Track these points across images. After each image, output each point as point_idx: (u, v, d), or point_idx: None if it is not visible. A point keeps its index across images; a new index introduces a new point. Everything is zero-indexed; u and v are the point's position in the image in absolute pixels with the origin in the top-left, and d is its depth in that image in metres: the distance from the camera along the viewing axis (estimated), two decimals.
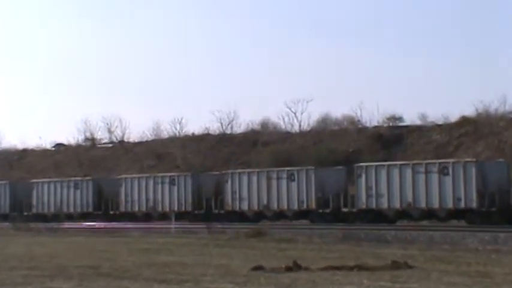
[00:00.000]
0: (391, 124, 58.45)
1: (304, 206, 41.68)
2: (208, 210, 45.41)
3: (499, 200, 35.99)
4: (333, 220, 40.05)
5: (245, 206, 43.76)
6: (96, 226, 45.50)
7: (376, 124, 59.32)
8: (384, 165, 39.79)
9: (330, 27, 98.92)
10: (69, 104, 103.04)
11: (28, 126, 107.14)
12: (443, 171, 36.92)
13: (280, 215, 43.17)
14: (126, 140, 73.28)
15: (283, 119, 65.59)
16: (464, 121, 54.48)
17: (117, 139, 73.82)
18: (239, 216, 43.61)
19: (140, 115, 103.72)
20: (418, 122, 57.53)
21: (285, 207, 42.39)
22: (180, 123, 69.97)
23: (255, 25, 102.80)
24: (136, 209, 48.58)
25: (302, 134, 62.62)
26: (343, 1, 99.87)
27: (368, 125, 59.79)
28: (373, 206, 38.85)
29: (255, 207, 43.43)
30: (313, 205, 41.34)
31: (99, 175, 60.85)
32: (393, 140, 55.84)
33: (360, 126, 59.92)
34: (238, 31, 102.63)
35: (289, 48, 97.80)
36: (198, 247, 27.96)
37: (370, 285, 15.26)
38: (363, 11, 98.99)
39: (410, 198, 37.74)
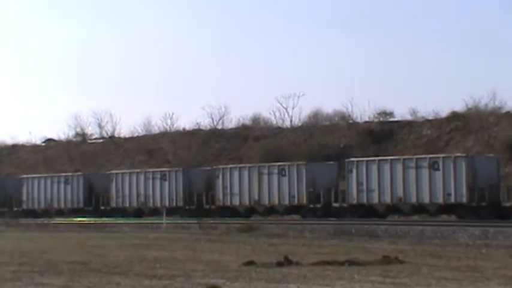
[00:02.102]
0: (381, 119, 58.44)
1: (295, 201, 41.73)
2: (199, 206, 45.41)
3: (489, 194, 36.13)
4: (324, 215, 40.12)
5: (236, 201, 43.78)
6: (87, 221, 45.42)
7: (367, 119, 59.29)
8: (374, 161, 39.87)
9: (322, 23, 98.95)
10: (59, 99, 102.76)
11: (18, 122, 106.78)
12: (433, 166, 37.02)
13: (271, 210, 43.21)
14: (116, 135, 73.06)
15: (275, 114, 65.54)
16: (454, 116, 54.56)
17: (107, 134, 73.60)
18: (230, 212, 43.63)
19: (131, 110, 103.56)
20: (408, 117, 57.55)
21: (276, 202, 42.43)
22: (171, 118, 69.84)
23: (245, 21, 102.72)
24: (127, 204, 48.53)
25: (293, 129, 62.59)
26: None
27: (359, 120, 59.76)
28: (364, 201, 38.92)
29: (246, 203, 43.45)
30: (304, 200, 41.39)
31: (89, 171, 60.72)
32: (384, 135, 55.89)
33: (350, 121, 59.89)
34: (229, 27, 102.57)
35: (280, 44, 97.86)
36: (189, 242, 27.96)
37: (361, 280, 15.29)
38: (355, 7, 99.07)
39: (400, 193, 37.83)
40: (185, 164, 55.76)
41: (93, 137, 74.64)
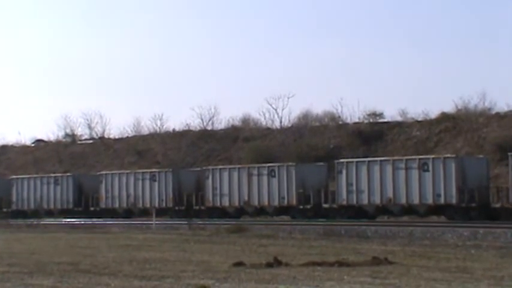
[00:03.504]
0: (371, 120, 58.53)
1: (285, 202, 41.73)
2: (189, 207, 45.38)
3: (479, 195, 36.21)
4: (314, 216, 40.15)
5: (226, 202, 43.76)
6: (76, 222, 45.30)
7: (356, 120, 59.37)
8: (364, 161, 39.91)
9: (311, 23, 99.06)
10: (49, 99, 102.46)
11: (7, 122, 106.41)
12: (423, 167, 37.09)
13: (261, 211, 43.21)
14: (106, 136, 72.96)
15: (264, 115, 65.62)
16: (444, 117, 54.69)
17: (97, 135, 73.48)
18: (220, 212, 43.61)
19: (120, 111, 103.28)
20: (398, 118, 57.67)
21: (266, 203, 42.42)
22: (160, 119, 69.80)
23: (235, 21, 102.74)
24: (116, 205, 48.46)
25: (283, 130, 62.60)
26: None
27: (349, 121, 59.83)
28: (354, 202, 38.97)
29: (236, 203, 43.44)
30: (293, 201, 41.40)
31: (79, 171, 60.60)
32: (374, 136, 55.95)
33: (340, 122, 59.97)
34: (219, 27, 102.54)
35: (270, 44, 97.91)
36: (179, 243, 27.94)
37: (351, 281, 15.30)
38: (345, 8, 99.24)
39: (390, 194, 37.89)
40: (175, 165, 55.70)
41: (83, 137, 74.51)
